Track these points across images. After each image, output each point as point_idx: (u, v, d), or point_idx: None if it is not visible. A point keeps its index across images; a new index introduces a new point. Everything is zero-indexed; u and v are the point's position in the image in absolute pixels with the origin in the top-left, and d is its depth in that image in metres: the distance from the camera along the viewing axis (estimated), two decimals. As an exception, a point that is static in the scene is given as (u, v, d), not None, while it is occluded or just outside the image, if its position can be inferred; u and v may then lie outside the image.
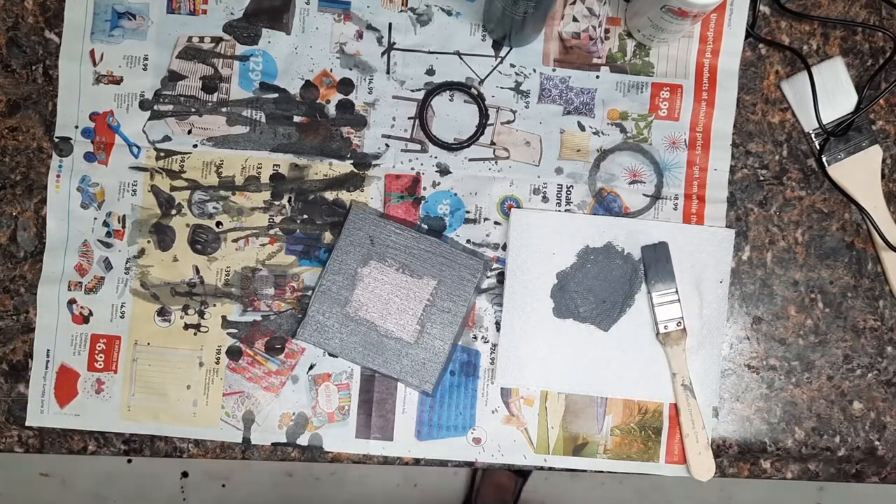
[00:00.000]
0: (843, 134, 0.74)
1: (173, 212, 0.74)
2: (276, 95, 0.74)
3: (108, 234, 0.73)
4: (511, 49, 0.74)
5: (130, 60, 0.73)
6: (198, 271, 0.73)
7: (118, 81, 0.73)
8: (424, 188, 0.74)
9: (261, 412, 0.73)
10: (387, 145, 0.74)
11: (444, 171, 0.74)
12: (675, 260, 0.72)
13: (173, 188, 0.73)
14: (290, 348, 0.73)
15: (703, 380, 0.73)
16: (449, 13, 0.74)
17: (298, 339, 0.72)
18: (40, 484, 1.54)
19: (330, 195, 0.74)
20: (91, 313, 0.73)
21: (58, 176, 0.74)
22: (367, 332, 0.72)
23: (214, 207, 0.74)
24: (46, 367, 0.73)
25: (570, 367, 0.72)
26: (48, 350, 0.73)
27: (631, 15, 0.72)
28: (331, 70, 0.74)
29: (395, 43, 0.74)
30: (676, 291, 0.72)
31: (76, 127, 0.73)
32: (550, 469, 0.73)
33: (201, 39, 0.74)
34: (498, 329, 0.73)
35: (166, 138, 0.73)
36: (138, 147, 0.74)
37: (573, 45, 0.74)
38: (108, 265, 0.73)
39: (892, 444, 0.74)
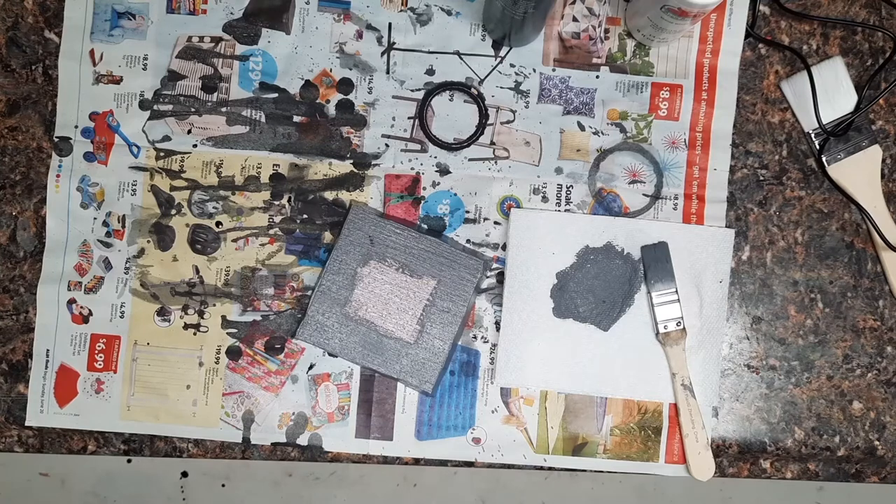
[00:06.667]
0: (843, 134, 0.74)
1: (173, 212, 0.73)
2: (275, 95, 0.74)
3: (108, 234, 0.73)
4: (511, 49, 0.74)
5: (130, 60, 0.73)
6: (197, 271, 0.73)
7: (118, 81, 0.73)
8: (424, 188, 0.74)
9: (260, 412, 0.73)
10: (387, 145, 0.74)
11: (443, 170, 0.74)
12: (675, 260, 0.72)
13: (173, 188, 0.73)
14: (289, 348, 0.73)
15: (703, 380, 0.73)
16: (449, 13, 0.74)
17: (298, 338, 0.72)
18: (40, 484, 1.54)
19: (330, 195, 0.74)
20: (91, 313, 0.73)
21: (57, 176, 0.74)
22: (366, 331, 0.72)
23: (214, 207, 0.74)
24: (46, 367, 0.73)
25: (570, 367, 0.72)
26: (48, 350, 0.73)
27: (631, 15, 0.72)
28: (331, 70, 0.74)
29: (394, 43, 0.74)
30: (676, 291, 0.72)
31: (76, 127, 0.73)
32: (550, 469, 0.73)
33: (201, 39, 0.74)
34: (498, 329, 0.73)
35: (166, 138, 0.73)
36: (138, 147, 0.73)
37: (573, 45, 0.74)
38: (107, 265, 0.73)
39: (892, 444, 0.74)
